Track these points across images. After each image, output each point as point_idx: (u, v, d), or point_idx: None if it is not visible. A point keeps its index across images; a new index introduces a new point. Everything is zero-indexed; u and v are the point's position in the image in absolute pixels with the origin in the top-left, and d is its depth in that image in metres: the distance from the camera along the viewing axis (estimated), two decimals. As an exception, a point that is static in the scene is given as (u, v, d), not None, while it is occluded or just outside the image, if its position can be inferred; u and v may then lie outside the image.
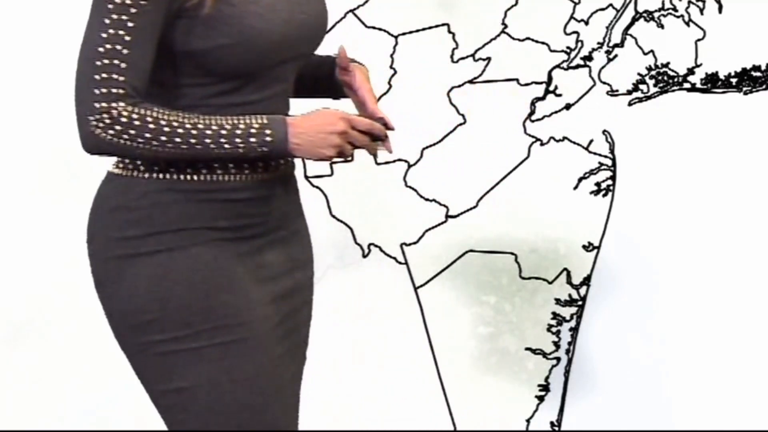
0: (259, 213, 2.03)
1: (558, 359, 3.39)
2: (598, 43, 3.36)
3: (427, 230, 3.37)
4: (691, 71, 3.35)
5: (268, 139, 1.92)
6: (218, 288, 1.96)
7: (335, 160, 1.99)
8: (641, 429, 3.32)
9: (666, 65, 3.35)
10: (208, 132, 1.90)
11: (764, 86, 3.33)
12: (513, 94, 3.36)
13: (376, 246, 3.37)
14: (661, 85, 3.36)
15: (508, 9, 3.33)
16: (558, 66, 3.36)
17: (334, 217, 3.34)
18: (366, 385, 3.37)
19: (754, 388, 3.32)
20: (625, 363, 3.35)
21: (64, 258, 3.24)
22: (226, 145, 1.91)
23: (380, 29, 3.33)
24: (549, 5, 3.35)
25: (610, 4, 3.35)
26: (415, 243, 3.37)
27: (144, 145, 1.89)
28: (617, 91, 3.37)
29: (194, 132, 1.89)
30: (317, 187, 3.32)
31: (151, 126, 1.88)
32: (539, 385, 3.39)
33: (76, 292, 3.21)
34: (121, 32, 1.86)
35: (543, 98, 3.37)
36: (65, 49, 3.27)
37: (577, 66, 3.36)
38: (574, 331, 3.37)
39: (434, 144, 3.36)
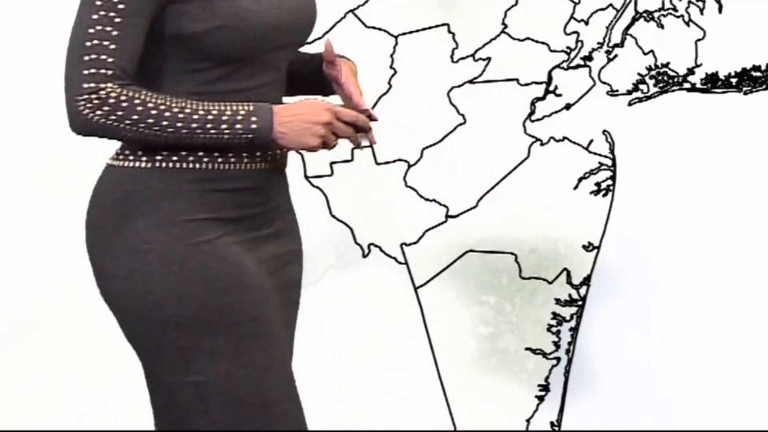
0: (259, 203, 2.04)
1: (558, 359, 3.39)
2: (598, 43, 3.36)
3: (427, 230, 3.37)
4: (691, 71, 3.35)
5: (253, 126, 1.93)
6: (233, 284, 1.97)
7: (318, 150, 2.00)
8: (641, 429, 3.32)
9: (666, 65, 3.35)
10: (195, 117, 1.91)
11: (764, 86, 3.33)
12: (513, 94, 3.36)
13: (376, 246, 3.37)
14: (661, 85, 3.36)
15: (508, 9, 3.33)
16: (558, 66, 3.36)
17: (334, 217, 3.34)
18: (366, 385, 3.37)
19: (754, 388, 3.32)
20: (625, 363, 3.35)
21: (64, 258, 3.23)
22: (212, 131, 1.91)
23: (380, 29, 3.33)
24: (549, 5, 3.35)
25: (610, 4, 3.35)
26: (415, 243, 3.37)
27: (131, 127, 1.89)
28: (617, 91, 3.37)
29: (181, 116, 1.90)
30: (317, 187, 3.32)
31: (139, 108, 1.88)
32: (539, 385, 3.39)
33: (76, 292, 3.21)
34: (111, 14, 1.87)
35: (543, 98, 3.37)
36: (65, 49, 3.27)
37: (577, 66, 3.37)
38: (574, 331, 3.37)
39: (434, 144, 3.36)
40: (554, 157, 3.37)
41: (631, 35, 3.36)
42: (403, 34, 3.32)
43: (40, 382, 3.31)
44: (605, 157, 3.38)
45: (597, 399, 3.36)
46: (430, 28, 3.34)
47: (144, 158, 1.97)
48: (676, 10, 3.34)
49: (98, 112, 1.88)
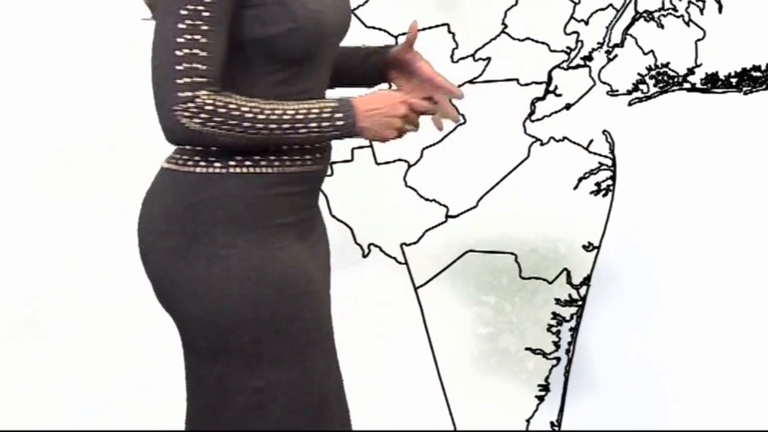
0: (312, 205, 2.10)
1: (558, 359, 3.39)
2: (598, 43, 3.36)
3: (427, 230, 3.37)
4: (691, 71, 3.35)
5: (339, 123, 1.96)
6: (302, 291, 2.01)
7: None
8: (641, 429, 3.33)
9: (666, 65, 3.35)
10: (285, 117, 1.93)
11: (764, 86, 3.33)
12: (513, 94, 3.36)
13: (376, 246, 3.38)
14: (661, 85, 3.36)
15: (508, 9, 3.33)
16: (558, 66, 3.36)
17: (334, 217, 3.34)
18: (366, 385, 3.37)
19: (754, 388, 3.32)
20: (625, 363, 3.35)
21: (64, 258, 3.24)
22: (302, 130, 1.94)
23: (380, 29, 3.33)
24: (549, 5, 3.36)
25: (610, 4, 3.35)
26: (415, 243, 3.37)
27: (228, 131, 1.90)
28: (617, 91, 3.37)
29: (273, 117, 1.92)
30: (317, 187, 3.32)
31: (235, 113, 1.90)
32: (539, 385, 3.39)
33: (76, 292, 3.21)
34: (198, 22, 1.88)
35: (543, 98, 3.37)
36: (65, 49, 3.28)
37: (577, 66, 3.37)
38: (574, 331, 3.37)
39: (434, 144, 3.36)
40: (554, 157, 3.37)
41: (631, 35, 3.36)
42: (403, 34, 3.32)
43: (39, 382, 3.31)
44: (605, 157, 3.38)
45: (597, 399, 3.37)
46: (430, 28, 3.34)
47: (217, 164, 1.98)
48: (676, 10, 3.34)
49: (196, 120, 1.89)
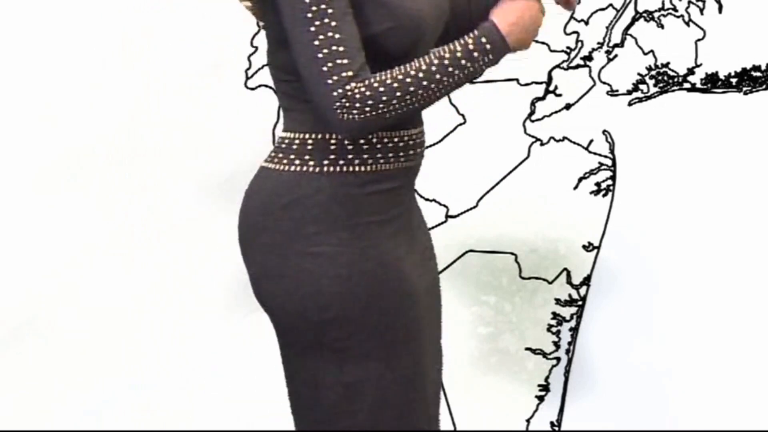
0: (408, 200, 2.11)
1: (558, 359, 3.39)
2: (598, 43, 3.36)
3: (427, 230, 3.37)
4: (691, 71, 3.35)
5: (488, 47, 2.00)
6: (392, 289, 2.04)
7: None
8: (641, 429, 3.33)
9: (666, 65, 3.35)
10: (433, 68, 1.96)
11: (764, 86, 3.33)
12: (513, 94, 3.36)
13: (376, 246, 3.37)
14: (661, 85, 3.36)
15: (508, 9, 3.33)
16: (558, 66, 3.36)
17: (334, 217, 3.34)
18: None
19: (754, 388, 3.32)
20: (625, 363, 3.35)
21: (64, 258, 3.24)
22: (457, 72, 1.97)
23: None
24: (549, 5, 3.35)
25: (610, 4, 3.35)
26: (415, 243, 3.37)
27: (389, 109, 1.93)
28: (617, 91, 3.37)
29: (422, 75, 1.95)
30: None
31: (382, 89, 1.92)
32: (539, 385, 3.39)
33: (76, 292, 3.21)
34: (326, 20, 1.91)
35: (543, 98, 3.37)
36: (65, 49, 3.27)
37: (577, 66, 3.37)
38: (574, 331, 3.37)
39: (434, 144, 3.36)
40: (554, 157, 3.37)
41: (631, 35, 3.36)
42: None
43: (39, 382, 3.31)
44: (605, 157, 3.38)
45: (597, 399, 3.37)
46: (430, 28, 3.33)
47: (311, 162, 2.01)
48: (676, 10, 3.34)
49: (354, 112, 1.92)
